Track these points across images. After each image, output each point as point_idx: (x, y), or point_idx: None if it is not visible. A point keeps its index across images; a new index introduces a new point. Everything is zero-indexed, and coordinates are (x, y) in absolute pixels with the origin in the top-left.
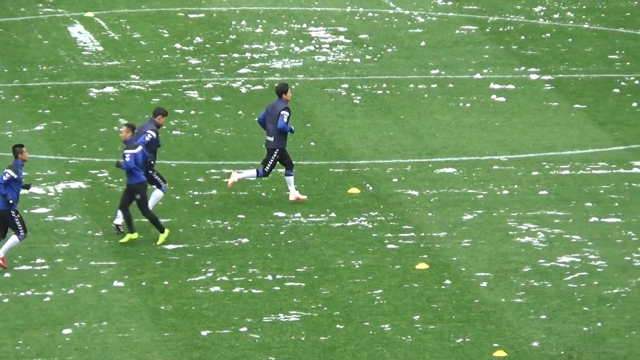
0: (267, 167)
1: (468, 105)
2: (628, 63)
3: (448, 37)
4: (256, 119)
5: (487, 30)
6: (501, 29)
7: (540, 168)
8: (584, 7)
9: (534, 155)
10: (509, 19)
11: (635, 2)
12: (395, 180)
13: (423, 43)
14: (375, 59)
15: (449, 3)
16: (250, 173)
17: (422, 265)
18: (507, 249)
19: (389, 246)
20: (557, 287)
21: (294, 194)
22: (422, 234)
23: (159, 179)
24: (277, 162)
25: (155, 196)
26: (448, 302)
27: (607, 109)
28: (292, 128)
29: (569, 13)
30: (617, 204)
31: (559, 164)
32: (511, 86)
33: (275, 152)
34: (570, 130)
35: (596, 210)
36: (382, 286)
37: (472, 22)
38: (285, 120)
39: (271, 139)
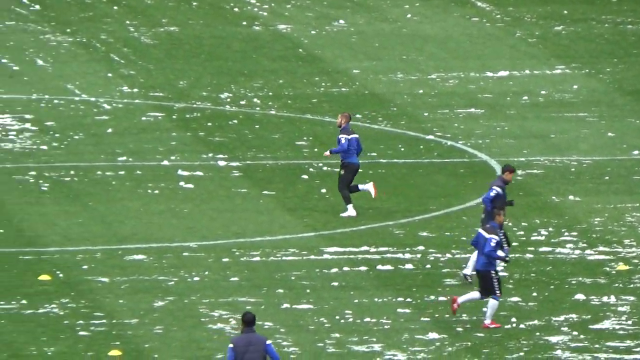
0: None
1: (157, 191)
2: (316, 149)
3: (134, 124)
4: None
5: (174, 117)
6: (188, 116)
7: (230, 254)
8: (270, 93)
9: (223, 242)
10: (195, 105)
11: (321, 89)
12: (85, 267)
13: (110, 130)
14: (62, 146)
15: (135, 90)
16: None
17: (115, 352)
18: (200, 336)
19: (81, 333)
20: None
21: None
22: (114, 320)
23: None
24: None
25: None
26: None
27: (297, 195)
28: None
29: (255, 100)
30: (308, 290)
31: (249, 251)
32: (199, 173)
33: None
34: (259, 216)
35: (288, 297)
36: None
37: (158, 109)
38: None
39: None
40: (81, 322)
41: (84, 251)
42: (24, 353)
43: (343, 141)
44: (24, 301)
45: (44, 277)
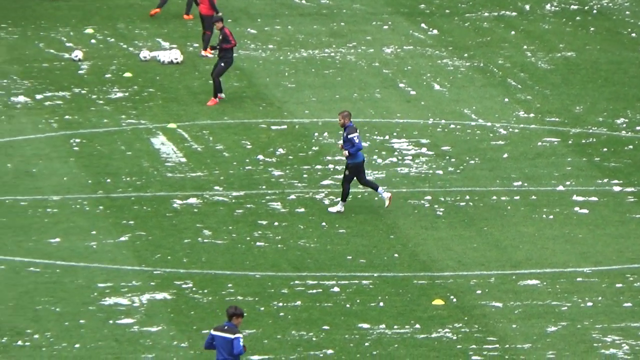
0: None
1: (551, 217)
2: None
3: (530, 149)
4: None
5: (569, 142)
6: (583, 141)
7: (624, 280)
8: None
9: (618, 267)
10: (591, 131)
11: None
12: (479, 291)
13: (505, 155)
14: (458, 171)
15: (531, 115)
16: None
17: None
18: None
19: (474, 358)
20: None
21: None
22: (507, 345)
23: None
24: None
25: None
26: None
27: None
28: None
29: None
30: None
31: None
32: (594, 198)
33: None
34: None
35: None
36: None
37: (554, 134)
38: None
39: None
40: (474, 346)
41: (478, 276)
42: None
43: (357, 140)
44: (417, 325)
45: (438, 302)
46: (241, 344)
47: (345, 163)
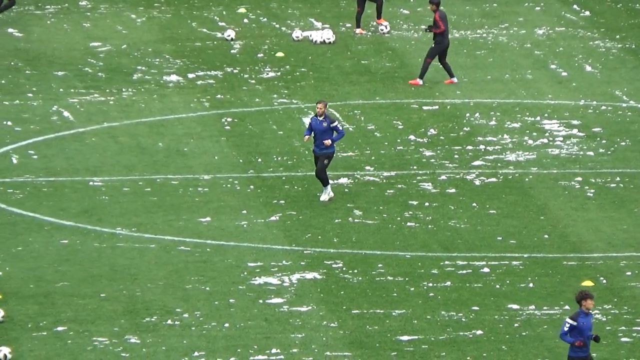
0: None
1: None
2: None
3: None
4: None
5: None
6: None
7: None
8: None
9: None
10: None
11: None
12: (629, 273)
13: None
14: (609, 152)
15: None
16: None
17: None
18: None
19: (623, 339)
20: None
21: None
22: None
23: None
24: None
25: None
26: None
27: None
28: None
29: None
30: None
31: None
32: None
33: None
34: None
35: None
36: None
37: None
38: None
39: None
40: (623, 328)
41: (628, 257)
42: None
43: (341, 127)
44: (567, 307)
45: (587, 283)
46: (565, 329)
47: (317, 154)
